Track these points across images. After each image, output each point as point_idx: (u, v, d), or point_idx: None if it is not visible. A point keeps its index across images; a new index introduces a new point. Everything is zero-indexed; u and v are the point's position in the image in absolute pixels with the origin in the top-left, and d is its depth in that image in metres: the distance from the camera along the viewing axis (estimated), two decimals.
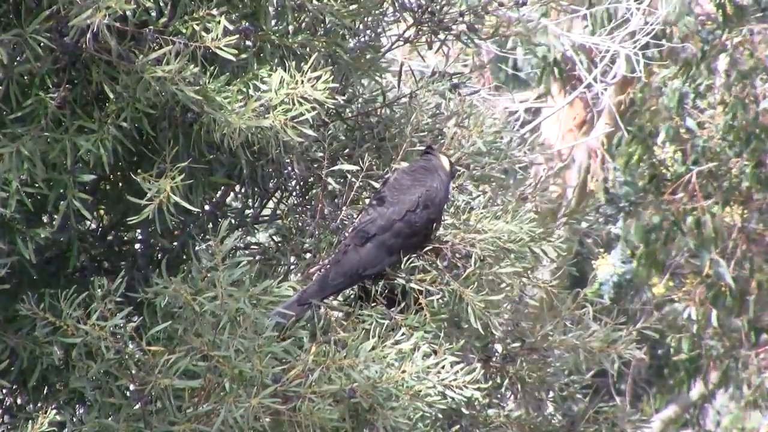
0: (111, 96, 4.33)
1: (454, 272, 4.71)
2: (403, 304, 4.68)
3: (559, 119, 13.17)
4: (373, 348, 4.34)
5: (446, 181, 4.76)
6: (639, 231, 13.32)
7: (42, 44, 4.24)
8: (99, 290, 4.17)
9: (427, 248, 4.72)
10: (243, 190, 5.13)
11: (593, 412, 5.29)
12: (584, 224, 5.55)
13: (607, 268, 14.62)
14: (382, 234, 4.65)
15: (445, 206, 4.82)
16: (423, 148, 4.95)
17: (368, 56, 5.00)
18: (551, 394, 5.23)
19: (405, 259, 4.66)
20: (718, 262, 13.08)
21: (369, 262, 4.64)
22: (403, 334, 4.50)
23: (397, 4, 5.16)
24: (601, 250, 14.43)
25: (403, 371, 4.33)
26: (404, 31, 5.26)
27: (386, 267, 4.66)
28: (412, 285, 4.67)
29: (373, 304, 4.69)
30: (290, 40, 4.63)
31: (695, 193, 13.05)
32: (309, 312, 4.55)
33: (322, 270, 4.79)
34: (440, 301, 4.66)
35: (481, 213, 4.79)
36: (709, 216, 13.02)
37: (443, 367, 4.40)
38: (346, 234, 4.79)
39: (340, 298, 4.85)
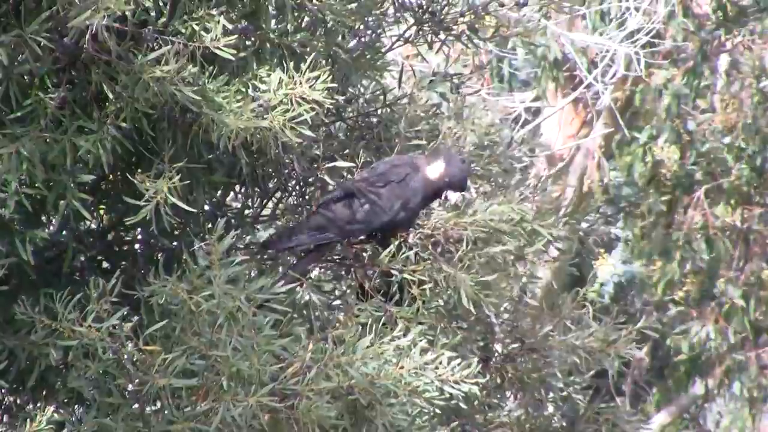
0: (110, 96, 4.33)
1: (447, 257, 4.69)
2: (397, 297, 4.68)
3: (560, 122, 13.16)
4: (371, 344, 4.34)
5: (420, 187, 4.71)
6: (655, 250, 13.33)
7: (41, 45, 4.24)
8: (95, 291, 4.17)
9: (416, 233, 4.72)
10: (243, 190, 5.14)
11: (593, 412, 5.30)
12: (584, 224, 5.55)
13: (608, 268, 14.61)
14: (354, 196, 4.65)
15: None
16: (418, 143, 4.95)
17: (368, 56, 5.00)
18: (551, 394, 5.23)
19: (393, 246, 4.66)
20: (728, 282, 13.13)
21: (333, 222, 4.63)
22: (400, 329, 4.50)
23: (397, 4, 5.16)
24: (601, 250, 14.42)
25: (401, 367, 4.33)
26: (404, 31, 5.26)
27: (350, 231, 4.64)
28: (406, 276, 4.66)
29: (369, 297, 4.70)
30: (290, 40, 4.63)
31: (704, 208, 13.05)
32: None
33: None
34: (433, 289, 4.65)
35: (478, 206, 4.79)
36: (719, 233, 13.02)
37: (441, 363, 4.40)
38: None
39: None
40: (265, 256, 5.03)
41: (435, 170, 4.67)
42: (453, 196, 4.72)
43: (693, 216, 13.12)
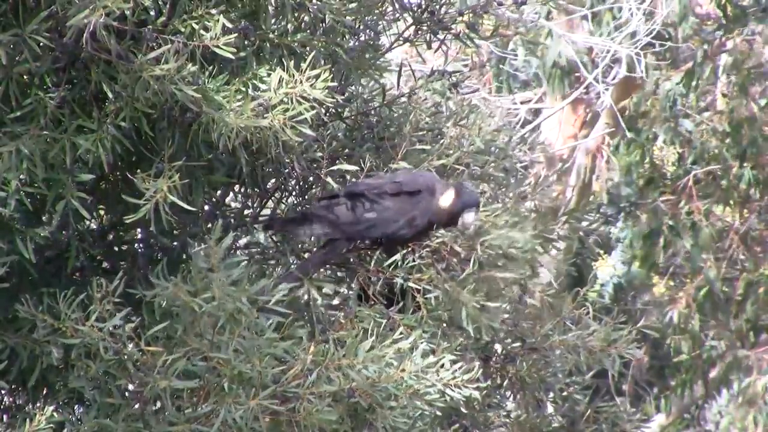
0: (110, 95, 4.32)
1: (452, 274, 4.70)
2: (401, 304, 4.68)
3: (560, 122, 13.15)
4: (372, 347, 4.33)
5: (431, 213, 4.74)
6: (637, 236, 13.35)
7: (41, 44, 4.23)
8: (97, 291, 4.16)
9: (421, 245, 4.73)
10: (243, 190, 5.13)
11: (593, 411, 5.29)
12: (584, 224, 5.55)
13: (607, 269, 14.61)
14: (365, 199, 4.67)
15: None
16: (422, 148, 4.95)
17: (368, 56, 5.00)
18: (551, 394, 5.22)
19: (400, 255, 4.67)
20: (709, 266, 13.13)
21: (341, 221, 4.66)
22: (401, 333, 4.49)
23: (396, 4, 5.15)
24: (601, 251, 14.43)
25: (402, 370, 4.32)
26: (404, 31, 5.25)
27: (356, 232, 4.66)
28: (410, 284, 4.67)
29: (371, 304, 4.70)
30: (290, 39, 4.62)
31: (692, 195, 13.07)
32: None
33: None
34: (437, 299, 4.66)
35: (483, 214, 4.78)
36: (704, 218, 13.04)
37: (442, 366, 4.39)
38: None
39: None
40: (267, 258, 5.02)
41: (447, 199, 4.71)
42: (469, 218, 4.72)
43: (680, 201, 13.14)
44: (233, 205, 5.22)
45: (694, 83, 12.70)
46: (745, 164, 12.89)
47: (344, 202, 4.70)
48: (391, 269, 4.70)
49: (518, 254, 4.74)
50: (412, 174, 4.80)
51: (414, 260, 4.70)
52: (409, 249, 4.73)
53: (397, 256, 4.69)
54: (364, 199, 4.68)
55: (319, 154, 4.89)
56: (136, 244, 4.97)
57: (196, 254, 4.19)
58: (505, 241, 4.71)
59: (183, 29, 4.34)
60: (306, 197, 5.08)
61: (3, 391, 4.71)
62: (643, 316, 13.49)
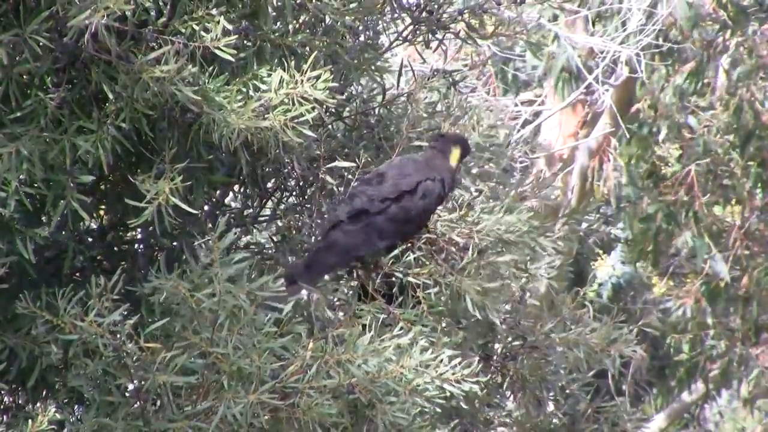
0: (110, 96, 4.33)
1: (452, 262, 4.69)
2: (400, 299, 4.68)
3: (560, 123, 13.14)
4: (371, 342, 4.34)
5: (448, 179, 4.73)
6: (632, 220, 13.33)
7: (41, 44, 4.24)
8: (96, 288, 4.17)
9: (420, 237, 4.71)
10: (243, 190, 5.13)
11: (594, 411, 5.30)
12: (584, 224, 5.55)
13: (607, 269, 14.61)
14: (375, 215, 4.63)
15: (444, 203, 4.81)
16: (420, 144, 4.94)
17: (368, 56, 5.00)
18: (552, 392, 5.23)
19: (398, 249, 4.66)
20: (715, 257, 13.10)
21: (357, 245, 4.62)
22: (401, 328, 4.49)
23: (395, 4, 5.16)
24: (600, 252, 14.43)
25: (402, 366, 4.32)
26: (402, 30, 5.26)
27: (376, 251, 4.64)
28: (410, 279, 4.66)
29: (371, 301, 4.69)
30: (290, 40, 4.63)
31: (693, 188, 13.06)
32: (302, 294, 4.55)
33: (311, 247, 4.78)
34: (438, 294, 4.65)
35: (480, 208, 4.79)
36: (706, 210, 13.03)
37: (441, 361, 4.39)
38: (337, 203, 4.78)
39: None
40: (266, 258, 5.03)
41: (457, 156, 4.77)
42: None
43: (680, 193, 13.12)
44: (233, 205, 5.23)
45: (697, 85, 12.70)
46: (750, 162, 12.89)
47: (351, 218, 4.65)
48: (389, 264, 4.68)
49: (516, 239, 4.74)
50: (398, 168, 4.77)
51: (413, 252, 4.69)
52: (408, 243, 4.72)
53: (396, 251, 4.68)
54: (369, 215, 4.64)
55: (318, 152, 4.89)
56: (135, 245, 4.98)
57: (198, 248, 4.20)
58: (501, 227, 4.71)
59: (183, 30, 4.35)
60: (306, 197, 5.08)
61: (3, 391, 4.72)
62: (643, 316, 13.51)
